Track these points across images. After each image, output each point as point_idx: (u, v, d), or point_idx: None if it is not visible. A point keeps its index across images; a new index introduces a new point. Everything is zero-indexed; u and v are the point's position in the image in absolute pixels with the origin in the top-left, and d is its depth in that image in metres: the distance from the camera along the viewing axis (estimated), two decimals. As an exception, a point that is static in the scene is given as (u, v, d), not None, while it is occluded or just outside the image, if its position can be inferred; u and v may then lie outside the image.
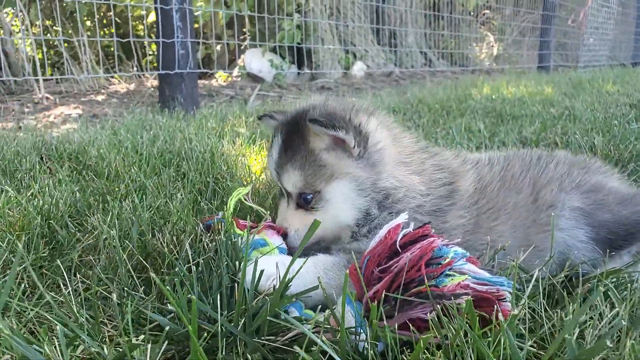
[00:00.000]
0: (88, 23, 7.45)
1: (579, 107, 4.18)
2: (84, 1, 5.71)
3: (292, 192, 1.57)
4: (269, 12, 7.05)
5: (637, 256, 1.57)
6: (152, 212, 1.77)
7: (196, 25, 7.94)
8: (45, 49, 6.85)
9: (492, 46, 12.56)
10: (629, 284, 1.30)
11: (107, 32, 7.84)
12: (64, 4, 6.64)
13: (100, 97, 6.30)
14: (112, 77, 7.39)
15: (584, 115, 3.73)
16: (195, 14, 7.79)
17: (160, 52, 5.20)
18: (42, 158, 2.53)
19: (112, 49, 7.44)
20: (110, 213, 1.68)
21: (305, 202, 1.56)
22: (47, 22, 6.81)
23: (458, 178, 1.62)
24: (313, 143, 1.54)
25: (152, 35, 7.56)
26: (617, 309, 1.16)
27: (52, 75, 6.37)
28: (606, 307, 1.19)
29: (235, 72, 8.28)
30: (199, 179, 2.16)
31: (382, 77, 9.51)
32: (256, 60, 8.24)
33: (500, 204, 1.59)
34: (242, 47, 8.51)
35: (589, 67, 12.89)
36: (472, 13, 11.92)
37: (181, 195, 1.90)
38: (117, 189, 1.99)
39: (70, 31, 6.27)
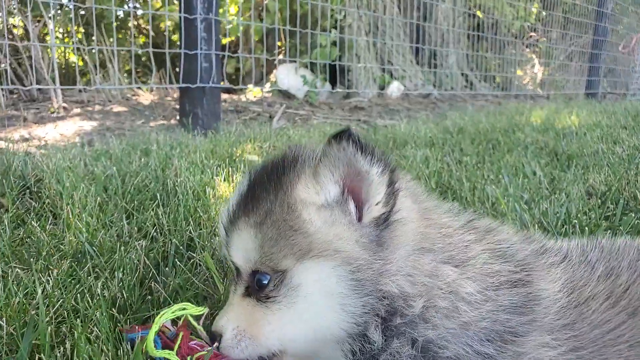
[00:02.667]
0: (117, 33, 7.22)
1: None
2: (104, 7, 5.45)
3: (242, 267, 1.04)
4: (305, 26, 6.66)
5: None
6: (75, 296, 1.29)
7: (227, 40, 7.67)
8: (66, 56, 6.65)
9: (537, 71, 11.95)
10: None
11: (137, 42, 7.61)
12: (89, 12, 6.43)
13: (121, 109, 6.01)
14: (139, 88, 7.13)
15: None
16: (227, 27, 7.50)
17: (182, 64, 4.87)
18: None
19: (142, 59, 7.18)
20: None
21: (259, 286, 1.00)
22: (77, 30, 6.59)
23: (535, 275, 1.03)
24: (298, 192, 1.00)
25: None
26: None
27: (73, 82, 6.11)
28: None
29: (267, 87, 7.93)
30: (166, 237, 1.69)
31: (419, 99, 9.03)
32: (288, 76, 7.89)
33: (611, 335, 0.99)
34: (275, 62, 8.16)
35: (638, 95, 12.13)
36: (517, 35, 11.35)
37: (122, 273, 1.40)
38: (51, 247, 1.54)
39: (93, 39, 6.01)
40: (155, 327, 0.99)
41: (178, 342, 1.02)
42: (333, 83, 8.21)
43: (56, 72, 5.43)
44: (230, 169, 2.45)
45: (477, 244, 1.05)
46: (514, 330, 0.94)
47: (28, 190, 2.25)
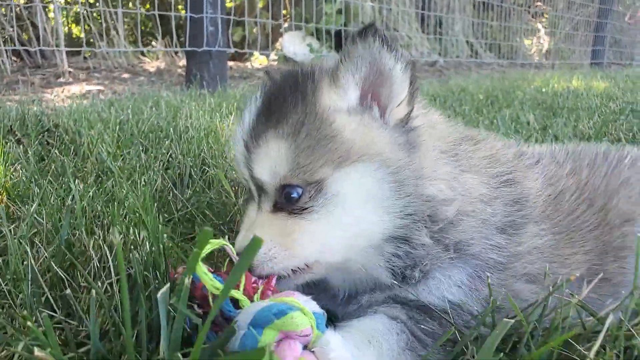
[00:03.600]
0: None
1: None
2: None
3: (268, 182, 0.98)
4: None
5: None
6: (104, 201, 1.45)
7: (231, 3, 7.72)
8: (70, 22, 6.72)
9: (543, 41, 11.92)
10: None
11: (143, 7, 7.66)
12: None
13: (127, 75, 6.12)
14: (144, 55, 7.21)
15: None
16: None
17: (188, 28, 4.96)
18: (10, 128, 2.29)
19: (147, 25, 7.26)
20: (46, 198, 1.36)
21: (288, 200, 0.97)
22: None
23: (520, 175, 1.13)
24: (325, 99, 0.98)
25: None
26: None
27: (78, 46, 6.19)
28: None
29: (272, 55, 8.01)
30: (180, 162, 1.85)
31: (425, 67, 9.08)
32: (294, 44, 7.96)
33: (578, 221, 1.14)
34: (281, 31, 8.22)
35: (645, 66, 12.11)
36: (523, 4, 11.30)
37: (144, 181, 1.56)
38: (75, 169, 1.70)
39: (98, 4, 6.08)
40: (202, 269, 0.86)
41: (243, 281, 0.92)
42: (337, 52, 8.27)
43: (61, 35, 5.51)
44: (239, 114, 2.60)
45: (476, 152, 1.13)
46: (516, 223, 1.06)
47: (46, 133, 2.40)
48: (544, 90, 4.67)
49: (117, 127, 2.27)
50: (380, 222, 0.98)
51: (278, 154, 0.96)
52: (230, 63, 7.45)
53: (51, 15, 6.01)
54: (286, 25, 7.95)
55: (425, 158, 1.02)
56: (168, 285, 0.79)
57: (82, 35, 5.68)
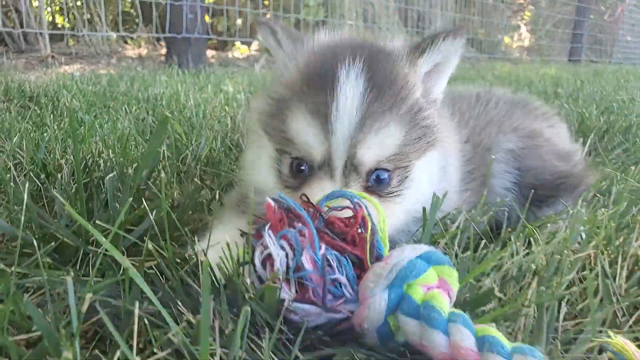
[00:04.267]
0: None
1: (589, 89, 3.98)
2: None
3: (366, 165, 0.99)
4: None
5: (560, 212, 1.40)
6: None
7: (215, -5, 7.89)
8: (55, 11, 6.85)
9: (524, 37, 12.19)
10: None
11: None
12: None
13: (110, 61, 6.29)
14: (127, 42, 7.37)
15: (591, 96, 3.54)
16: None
17: (168, 15, 5.16)
18: None
19: (130, 13, 7.42)
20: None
21: (378, 183, 1.00)
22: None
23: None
24: (416, 89, 1.06)
25: None
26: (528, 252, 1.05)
27: (50, 37, 6.34)
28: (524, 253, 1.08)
29: (254, 46, 8.20)
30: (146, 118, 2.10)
31: (404, 60, 9.29)
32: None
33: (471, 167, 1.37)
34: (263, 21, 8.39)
35: (622, 64, 12.41)
36: (505, 1, 11.56)
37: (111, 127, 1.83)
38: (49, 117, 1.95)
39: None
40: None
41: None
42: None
43: (44, 20, 5.65)
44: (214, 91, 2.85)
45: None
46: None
47: (28, 99, 2.62)
48: (504, 78, 4.92)
49: (91, 92, 2.51)
50: (427, 197, 1.08)
51: (393, 139, 0.99)
52: (212, 52, 7.63)
53: (35, 4, 6.17)
54: (268, 16, 8.14)
55: (446, 134, 1.16)
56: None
57: (67, 23, 5.83)
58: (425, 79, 1.11)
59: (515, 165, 1.40)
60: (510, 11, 11.95)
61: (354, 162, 0.98)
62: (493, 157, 1.36)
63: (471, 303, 0.88)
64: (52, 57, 5.70)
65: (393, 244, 0.94)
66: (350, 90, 0.98)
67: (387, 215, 0.92)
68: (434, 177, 1.10)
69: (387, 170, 1.01)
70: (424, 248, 0.80)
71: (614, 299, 0.96)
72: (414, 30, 9.84)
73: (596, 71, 6.87)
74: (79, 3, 6.49)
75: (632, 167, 1.78)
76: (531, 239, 1.14)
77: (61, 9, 7.14)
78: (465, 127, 1.42)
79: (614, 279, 1.00)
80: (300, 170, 1.02)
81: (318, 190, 0.96)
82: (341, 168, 0.98)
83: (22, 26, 5.76)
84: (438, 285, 0.78)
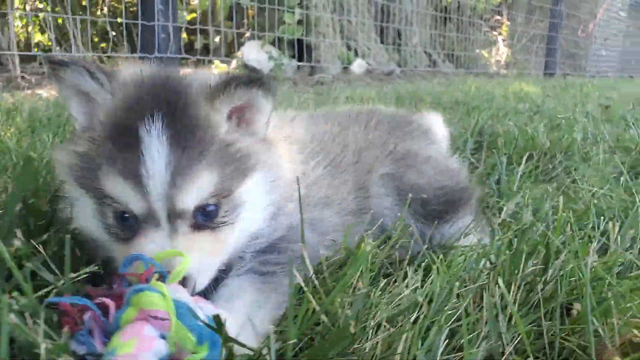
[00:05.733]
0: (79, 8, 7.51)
1: (549, 104, 4.12)
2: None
3: (187, 209, 1.04)
4: (272, 3, 7.07)
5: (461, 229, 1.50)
6: None
7: (193, 15, 8.02)
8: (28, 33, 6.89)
9: (501, 52, 12.43)
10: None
11: (100, 14, 7.89)
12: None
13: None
14: (103, 62, 7.43)
15: (548, 111, 3.67)
16: (193, 2, 7.86)
17: (140, 35, 5.23)
18: None
19: (106, 31, 7.51)
20: None
21: (207, 217, 1.07)
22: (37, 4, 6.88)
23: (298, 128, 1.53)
24: (217, 123, 1.11)
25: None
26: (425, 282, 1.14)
27: (21, 58, 6.34)
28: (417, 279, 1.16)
29: (233, 64, 8.30)
30: None
31: (382, 76, 9.46)
32: (255, 52, 8.26)
33: (339, 162, 1.50)
34: (242, 40, 8.53)
35: (594, 77, 12.71)
36: (482, 17, 11.81)
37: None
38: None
39: (57, 8, 6.29)
40: None
41: None
42: (298, 60, 8.59)
43: (13, 40, 5.65)
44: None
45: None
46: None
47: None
48: (471, 92, 5.06)
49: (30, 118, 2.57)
50: (264, 215, 1.20)
51: (207, 181, 1.05)
52: (190, 71, 7.69)
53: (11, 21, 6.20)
54: (248, 35, 8.27)
55: (277, 155, 1.26)
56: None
57: (49, 42, 5.86)
58: (237, 114, 1.16)
59: (392, 186, 1.51)
60: (487, 26, 12.20)
61: (176, 210, 1.03)
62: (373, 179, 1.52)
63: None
64: (22, 77, 5.70)
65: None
66: (155, 149, 1.01)
67: (221, 243, 1.08)
68: (262, 194, 1.18)
69: (213, 205, 1.07)
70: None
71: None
72: (392, 47, 10.03)
73: (566, 84, 7.05)
74: (54, 21, 6.53)
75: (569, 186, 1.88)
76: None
77: (42, 29, 7.20)
78: (340, 147, 1.55)
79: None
80: (125, 219, 1.05)
81: (148, 242, 1.01)
82: (165, 217, 1.03)
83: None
84: (137, 318, 0.84)
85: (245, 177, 1.11)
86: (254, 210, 1.16)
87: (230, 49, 8.57)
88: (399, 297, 1.08)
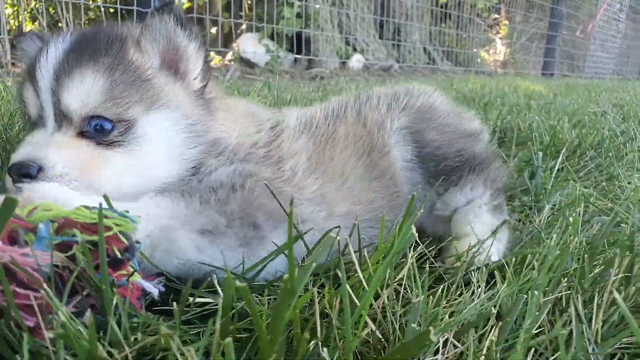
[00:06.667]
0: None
1: (561, 101, 3.97)
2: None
3: (76, 110, 1.04)
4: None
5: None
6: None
7: (188, 4, 7.81)
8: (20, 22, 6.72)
9: (500, 51, 12.32)
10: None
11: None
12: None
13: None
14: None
15: (562, 108, 3.52)
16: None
17: (135, 22, 5.05)
18: None
19: (99, 18, 7.28)
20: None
21: (99, 132, 1.04)
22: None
23: (276, 114, 1.40)
24: (133, 56, 1.10)
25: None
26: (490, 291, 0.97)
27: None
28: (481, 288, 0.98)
29: (229, 56, 8.11)
30: None
31: (379, 72, 9.30)
32: (252, 45, 8.07)
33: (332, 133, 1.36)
34: (239, 31, 8.33)
35: (593, 78, 12.64)
36: (480, 15, 11.69)
37: None
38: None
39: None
40: None
41: None
42: (296, 54, 8.43)
43: (3, 23, 5.49)
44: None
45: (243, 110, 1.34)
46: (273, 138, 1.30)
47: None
48: (477, 89, 4.90)
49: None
50: (173, 166, 1.11)
51: (93, 84, 1.04)
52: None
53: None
54: (244, 27, 8.08)
55: (212, 114, 1.19)
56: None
57: (37, 27, 5.67)
58: (169, 63, 1.15)
59: (411, 139, 1.39)
60: (485, 25, 12.08)
61: (64, 109, 1.04)
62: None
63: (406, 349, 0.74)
64: (13, 64, 5.54)
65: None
66: (52, 50, 1.08)
67: (103, 164, 1.02)
68: (174, 141, 1.10)
69: (109, 121, 1.04)
70: None
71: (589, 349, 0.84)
72: (391, 42, 9.86)
73: (568, 84, 6.93)
74: (50, 9, 6.34)
75: (604, 184, 1.72)
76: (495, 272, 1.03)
77: (32, 14, 6.99)
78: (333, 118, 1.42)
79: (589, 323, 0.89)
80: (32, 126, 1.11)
81: (28, 140, 1.05)
82: (52, 117, 1.05)
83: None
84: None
85: (149, 108, 1.07)
86: (156, 149, 1.09)
87: (226, 41, 8.38)
88: (465, 307, 0.90)
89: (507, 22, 12.28)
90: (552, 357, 0.83)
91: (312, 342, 0.72)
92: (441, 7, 10.58)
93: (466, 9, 11.05)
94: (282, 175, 1.18)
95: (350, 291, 0.78)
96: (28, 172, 0.96)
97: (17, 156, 0.99)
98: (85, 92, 1.04)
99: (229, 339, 0.61)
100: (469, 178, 1.39)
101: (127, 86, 1.06)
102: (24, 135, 1.11)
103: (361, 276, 0.84)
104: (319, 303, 0.78)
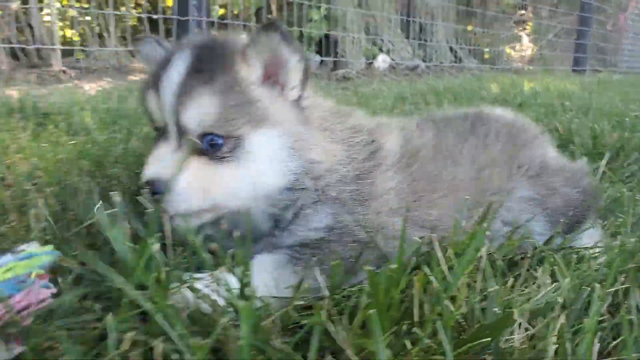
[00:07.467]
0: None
1: (598, 100, 3.94)
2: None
3: (193, 129, 1.16)
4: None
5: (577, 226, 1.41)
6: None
7: (223, 11, 7.94)
8: (67, 24, 6.91)
9: (526, 47, 12.20)
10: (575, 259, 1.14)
11: (134, 10, 7.87)
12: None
13: (118, 75, 6.32)
14: (134, 56, 7.41)
15: (600, 109, 3.50)
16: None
17: (175, 31, 5.21)
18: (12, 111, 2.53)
19: (137, 27, 7.46)
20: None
21: (212, 147, 1.15)
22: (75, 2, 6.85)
23: (378, 136, 1.41)
24: (241, 71, 1.20)
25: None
26: (556, 284, 1.01)
27: (65, 45, 6.39)
28: (547, 281, 1.04)
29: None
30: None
31: (406, 71, 9.29)
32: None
33: (438, 173, 1.38)
34: (266, 34, 8.42)
35: (628, 73, 12.38)
36: (505, 12, 11.58)
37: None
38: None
39: (89, 6, 6.27)
40: None
41: None
42: (322, 55, 8.48)
43: (56, 36, 5.71)
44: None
45: (345, 122, 1.38)
46: (366, 170, 1.32)
47: (42, 116, 2.63)
48: (510, 90, 4.89)
49: (103, 109, 2.53)
50: (280, 179, 1.21)
51: (207, 105, 1.15)
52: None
53: (47, 18, 6.21)
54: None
55: (311, 131, 1.26)
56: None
57: (77, 37, 5.87)
58: (270, 75, 1.23)
59: (538, 211, 1.45)
60: (511, 22, 11.96)
61: (184, 127, 1.16)
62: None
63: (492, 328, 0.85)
64: (64, 71, 5.75)
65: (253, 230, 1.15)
66: (174, 69, 1.18)
67: (217, 178, 1.15)
68: (280, 156, 1.20)
69: (221, 137, 1.15)
70: None
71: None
72: (416, 41, 9.85)
73: (601, 81, 6.84)
74: (88, 18, 6.53)
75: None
76: (555, 268, 1.10)
77: (72, 24, 7.20)
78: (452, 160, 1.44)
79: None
80: (157, 134, 1.25)
81: (155, 150, 1.19)
82: (175, 132, 1.17)
83: (34, 41, 5.83)
84: None
85: (256, 127, 1.17)
86: (262, 163, 1.19)
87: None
88: (537, 295, 1.00)
89: (533, 16, 12.15)
90: (614, 342, 0.92)
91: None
92: (466, 5, 10.52)
93: (492, 6, 10.96)
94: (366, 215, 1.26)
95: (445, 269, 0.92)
96: (160, 190, 1.10)
97: (149, 173, 1.14)
98: (202, 113, 1.15)
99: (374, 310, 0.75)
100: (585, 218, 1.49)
101: (237, 107, 1.16)
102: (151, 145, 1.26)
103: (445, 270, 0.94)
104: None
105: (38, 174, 1.59)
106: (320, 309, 0.84)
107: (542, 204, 1.43)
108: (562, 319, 0.87)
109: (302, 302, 0.96)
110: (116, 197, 1.07)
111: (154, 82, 1.21)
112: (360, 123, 1.42)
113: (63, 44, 5.68)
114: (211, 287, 0.93)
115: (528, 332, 0.90)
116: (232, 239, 1.18)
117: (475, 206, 1.31)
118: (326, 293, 0.97)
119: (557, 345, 0.84)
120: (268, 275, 1.10)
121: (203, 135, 1.16)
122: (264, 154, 1.19)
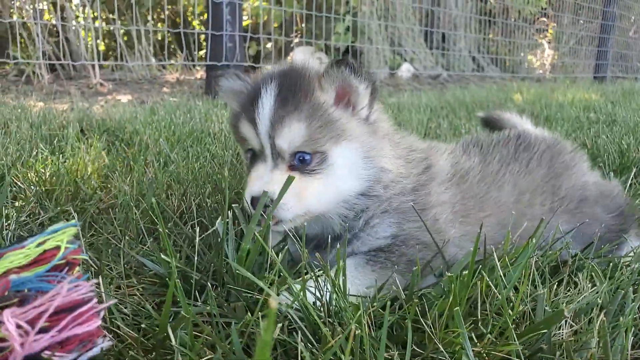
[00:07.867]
0: (148, 17, 7.78)
1: (621, 113, 4.07)
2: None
3: (286, 150, 1.37)
4: (320, 11, 7.18)
5: (619, 236, 1.58)
6: (170, 177, 1.90)
7: (248, 21, 8.19)
8: (101, 38, 7.21)
9: (547, 55, 12.26)
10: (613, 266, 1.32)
11: (163, 25, 8.15)
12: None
13: (151, 86, 6.58)
14: (164, 67, 7.70)
15: (624, 121, 3.64)
16: (250, 12, 8.02)
17: (209, 45, 5.42)
18: (82, 130, 2.72)
19: (167, 40, 7.75)
20: (130, 176, 1.81)
21: (302, 163, 1.37)
22: (109, 15, 7.15)
23: (431, 155, 1.61)
24: (320, 96, 1.40)
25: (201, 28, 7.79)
26: (595, 288, 1.19)
27: (106, 60, 6.69)
28: (588, 285, 1.22)
29: (283, 68, 8.41)
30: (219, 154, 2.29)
31: (428, 80, 9.46)
32: (305, 58, 8.34)
33: (484, 195, 1.57)
34: (292, 46, 8.66)
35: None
36: (527, 20, 11.67)
37: (199, 164, 2.01)
38: (142, 157, 2.13)
39: (125, 21, 6.56)
40: None
41: None
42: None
43: (94, 49, 5.99)
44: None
45: (403, 140, 1.59)
46: (422, 183, 1.51)
47: (105, 133, 2.85)
48: (534, 101, 5.03)
49: (168, 128, 2.75)
50: (356, 184, 1.42)
51: (297, 130, 1.36)
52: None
53: (83, 33, 6.51)
54: (297, 41, 8.39)
55: (380, 143, 1.47)
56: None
57: (110, 51, 6.14)
58: (343, 96, 1.44)
59: (573, 236, 1.58)
60: (532, 30, 12.05)
61: (278, 149, 1.36)
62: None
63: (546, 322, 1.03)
64: (101, 84, 6.02)
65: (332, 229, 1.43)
66: (266, 101, 1.38)
67: (309, 188, 1.35)
68: (357, 165, 1.42)
69: (309, 154, 1.36)
70: None
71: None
72: (438, 51, 10.01)
73: (624, 90, 6.93)
74: (122, 32, 6.82)
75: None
76: (592, 274, 1.28)
77: (104, 36, 7.50)
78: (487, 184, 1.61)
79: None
80: (252, 156, 1.45)
81: (255, 170, 1.41)
82: (270, 154, 1.38)
83: (71, 54, 6.12)
84: None
85: (337, 142, 1.38)
86: (343, 172, 1.40)
87: (279, 56, 8.70)
88: (578, 298, 1.18)
89: (554, 24, 12.22)
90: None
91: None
92: (486, 14, 10.64)
93: (513, 15, 11.07)
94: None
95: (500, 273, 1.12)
96: (267, 203, 1.32)
97: (255, 190, 1.36)
98: (293, 136, 1.35)
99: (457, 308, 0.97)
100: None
101: (320, 128, 1.37)
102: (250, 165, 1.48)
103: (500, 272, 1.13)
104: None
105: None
106: (412, 306, 1.02)
107: (580, 230, 1.60)
108: (601, 317, 1.05)
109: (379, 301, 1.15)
110: (236, 209, 1.34)
111: (247, 112, 1.42)
112: (415, 143, 1.63)
113: (97, 55, 5.94)
114: (313, 287, 1.14)
115: (572, 328, 1.08)
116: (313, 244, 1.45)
117: (514, 227, 1.48)
118: (402, 294, 1.15)
119: (597, 339, 1.02)
120: (356, 275, 1.32)
121: (294, 154, 1.37)
122: (344, 164, 1.40)
